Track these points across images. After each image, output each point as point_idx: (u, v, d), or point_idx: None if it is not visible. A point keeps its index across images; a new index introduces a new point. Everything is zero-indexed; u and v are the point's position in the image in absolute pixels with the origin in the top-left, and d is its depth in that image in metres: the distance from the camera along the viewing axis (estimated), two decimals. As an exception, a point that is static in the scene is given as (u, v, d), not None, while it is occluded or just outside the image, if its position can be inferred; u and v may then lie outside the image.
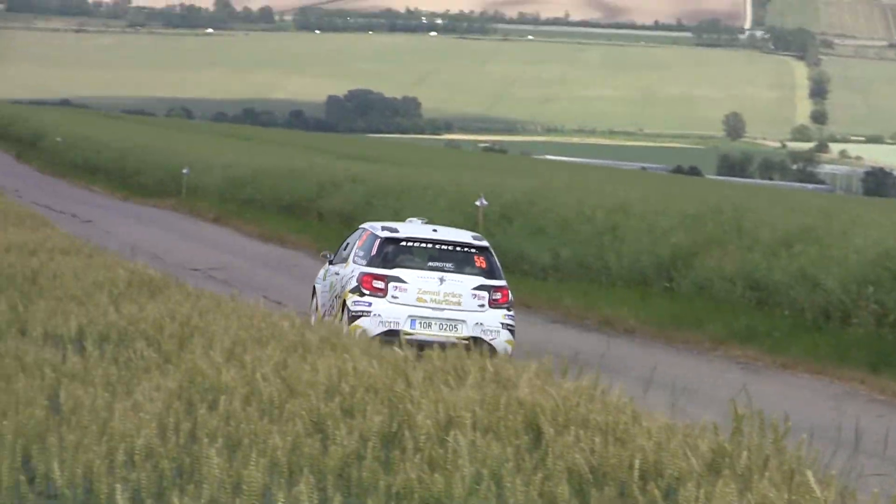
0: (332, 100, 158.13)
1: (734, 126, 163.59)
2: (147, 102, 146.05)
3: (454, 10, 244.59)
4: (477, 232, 12.85)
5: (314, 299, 12.08)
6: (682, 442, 4.07)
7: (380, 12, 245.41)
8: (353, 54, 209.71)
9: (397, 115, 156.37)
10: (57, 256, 10.90)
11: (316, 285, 12.17)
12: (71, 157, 44.69)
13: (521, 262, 18.18)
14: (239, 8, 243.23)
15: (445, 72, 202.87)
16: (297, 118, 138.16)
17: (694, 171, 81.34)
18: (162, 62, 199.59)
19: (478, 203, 19.43)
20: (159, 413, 4.20)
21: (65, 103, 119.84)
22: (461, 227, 14.47)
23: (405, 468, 3.62)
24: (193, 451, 3.75)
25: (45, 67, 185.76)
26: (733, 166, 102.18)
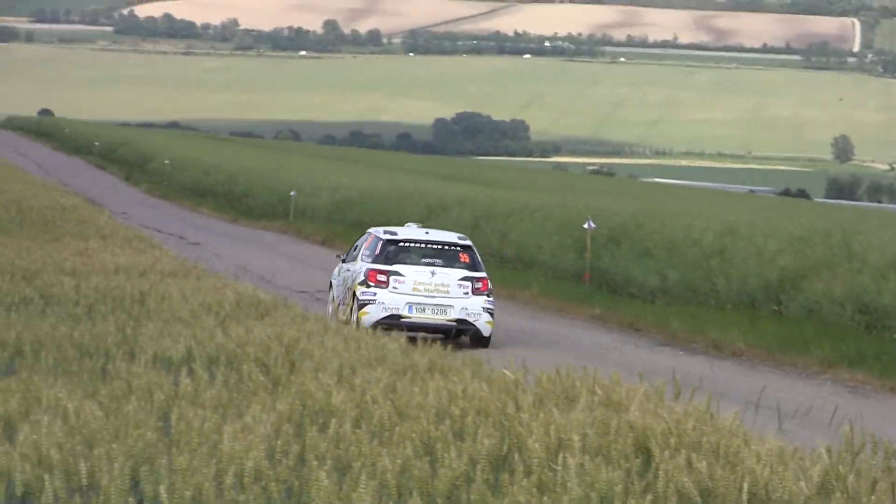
0: (439, 122, 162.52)
1: (843, 149, 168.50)
2: (255, 125, 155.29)
3: (562, 32, 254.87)
4: (585, 255, 17.30)
5: (331, 292, 15.38)
6: (791, 465, 4.22)
7: (488, 35, 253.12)
8: (461, 77, 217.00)
9: (505, 137, 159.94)
10: (165, 278, 11.66)
11: (332, 280, 15.46)
12: (179, 180, 47.93)
13: (628, 284, 19.31)
14: (347, 31, 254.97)
15: (553, 94, 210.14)
16: (405, 141, 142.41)
17: (802, 194, 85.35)
18: (270, 85, 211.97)
19: (586, 226, 20.29)
20: (268, 435, 4.39)
21: (173, 126, 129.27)
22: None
23: (514, 491, 3.74)
24: (302, 474, 3.91)
25: (154, 90, 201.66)
26: (842, 189, 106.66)
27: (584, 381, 6.01)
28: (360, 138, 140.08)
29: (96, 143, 66.75)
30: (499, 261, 23.88)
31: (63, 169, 54.20)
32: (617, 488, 3.82)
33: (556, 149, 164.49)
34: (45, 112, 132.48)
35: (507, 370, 6.26)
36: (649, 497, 3.76)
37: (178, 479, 3.68)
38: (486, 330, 13.71)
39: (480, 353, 7.41)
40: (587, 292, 19.69)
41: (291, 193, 34.57)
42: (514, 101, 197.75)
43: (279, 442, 4.28)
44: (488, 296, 13.97)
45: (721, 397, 6.55)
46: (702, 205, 32.12)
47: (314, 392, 5.25)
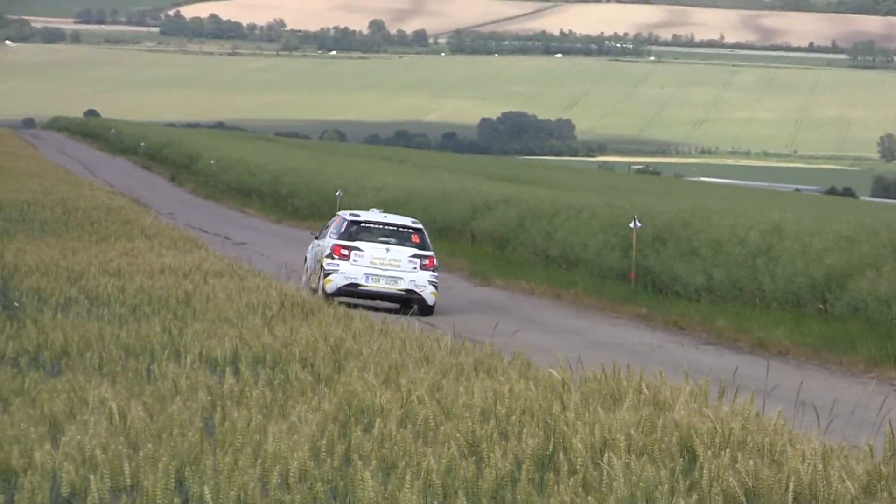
0: (485, 122, 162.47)
1: (889, 147, 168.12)
2: (300, 125, 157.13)
3: (608, 32, 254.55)
4: (631, 254, 19.58)
5: (305, 264, 18.00)
6: (837, 464, 4.18)
7: (534, 35, 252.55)
8: (507, 77, 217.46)
9: (551, 137, 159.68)
10: (210, 279, 11.76)
11: (307, 255, 18.09)
12: (225, 180, 48.58)
13: (673, 283, 19.41)
14: (393, 31, 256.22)
15: (599, 94, 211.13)
16: (450, 140, 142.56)
17: (848, 193, 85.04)
18: (315, 85, 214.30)
19: (631, 225, 20.35)
20: (314, 435, 4.40)
21: (218, 126, 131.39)
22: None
23: (559, 491, 3.73)
24: (348, 474, 3.91)
25: (199, 90, 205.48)
26: (888, 188, 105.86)
27: (630, 381, 5.99)
28: (405, 138, 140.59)
29: (142, 144, 67.67)
30: (544, 260, 23.79)
31: (109, 169, 55.13)
32: (662, 488, 3.82)
33: (602, 148, 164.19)
34: (91, 113, 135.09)
35: (553, 369, 6.19)
36: (694, 497, 3.76)
37: (222, 479, 3.70)
38: (430, 300, 16.21)
39: (530, 353, 7.29)
40: (632, 291, 19.63)
41: (337, 193, 34.82)
42: (560, 100, 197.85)
43: (324, 442, 4.29)
44: (434, 271, 16.48)
45: (766, 396, 6.54)
46: (747, 203, 31.61)
47: (360, 392, 5.26)
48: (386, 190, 35.93)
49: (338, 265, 16.14)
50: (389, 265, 16.24)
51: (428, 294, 16.21)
